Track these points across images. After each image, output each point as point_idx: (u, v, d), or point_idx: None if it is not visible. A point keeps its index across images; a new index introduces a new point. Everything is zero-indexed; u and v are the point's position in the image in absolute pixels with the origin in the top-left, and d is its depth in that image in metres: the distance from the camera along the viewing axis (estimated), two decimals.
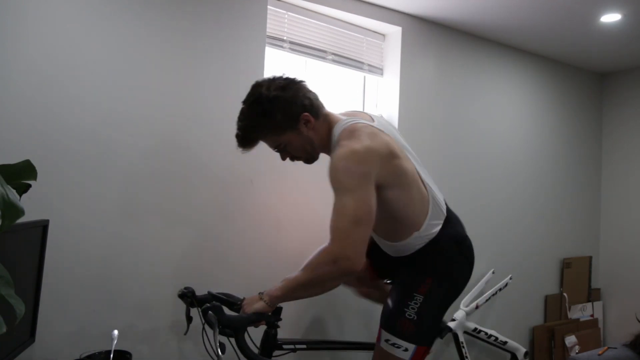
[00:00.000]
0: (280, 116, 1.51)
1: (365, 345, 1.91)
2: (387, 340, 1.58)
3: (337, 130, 1.55)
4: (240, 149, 1.58)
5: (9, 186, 0.80)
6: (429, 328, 1.62)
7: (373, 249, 1.86)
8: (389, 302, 1.65)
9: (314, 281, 1.48)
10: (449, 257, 1.68)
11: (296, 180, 2.18)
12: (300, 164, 1.66)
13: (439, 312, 1.67)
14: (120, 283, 1.78)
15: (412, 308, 1.58)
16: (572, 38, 2.91)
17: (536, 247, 3.24)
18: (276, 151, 1.62)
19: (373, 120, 1.61)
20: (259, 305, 1.49)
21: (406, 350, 1.57)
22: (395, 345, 1.57)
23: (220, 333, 1.37)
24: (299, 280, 1.49)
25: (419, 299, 1.59)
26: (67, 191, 1.68)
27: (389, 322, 1.61)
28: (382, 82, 2.65)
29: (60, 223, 1.64)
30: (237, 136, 1.56)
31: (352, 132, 1.50)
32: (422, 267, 1.65)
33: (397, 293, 1.65)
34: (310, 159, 1.65)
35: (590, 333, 3.32)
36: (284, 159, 1.64)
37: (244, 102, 1.56)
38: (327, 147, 1.59)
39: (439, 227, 1.65)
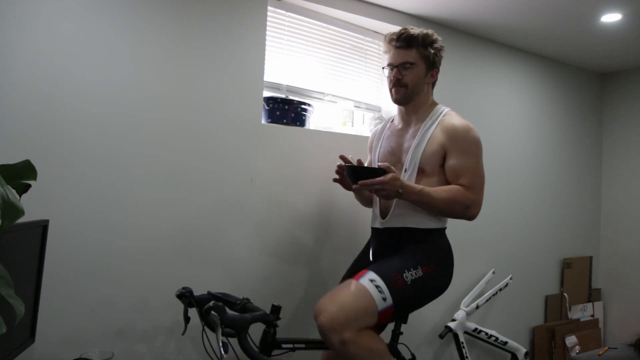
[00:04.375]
0: (436, 53, 1.80)
1: None
2: (372, 280, 1.57)
3: (443, 107, 1.83)
4: (395, 43, 1.78)
5: (9, 186, 0.80)
6: (409, 303, 1.67)
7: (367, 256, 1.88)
8: (388, 260, 1.68)
9: (442, 209, 1.70)
10: (451, 255, 1.79)
11: (296, 180, 2.18)
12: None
13: (425, 298, 1.72)
14: (119, 283, 1.78)
15: (411, 275, 1.64)
16: (573, 38, 2.91)
17: (536, 247, 3.24)
18: (402, 66, 1.77)
19: None
20: (394, 193, 1.63)
21: (384, 299, 1.56)
22: (378, 289, 1.56)
23: (222, 333, 1.37)
24: (433, 200, 1.67)
25: (419, 273, 1.65)
26: (67, 191, 1.68)
27: (385, 269, 1.63)
28: (383, 82, 2.64)
29: (60, 223, 1.65)
30: (409, 33, 1.76)
31: (459, 115, 1.80)
32: (429, 253, 1.72)
33: (400, 257, 1.68)
34: (408, 94, 1.79)
35: (591, 333, 3.32)
36: (396, 76, 1.78)
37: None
38: (420, 104, 1.82)
39: (446, 221, 1.81)
